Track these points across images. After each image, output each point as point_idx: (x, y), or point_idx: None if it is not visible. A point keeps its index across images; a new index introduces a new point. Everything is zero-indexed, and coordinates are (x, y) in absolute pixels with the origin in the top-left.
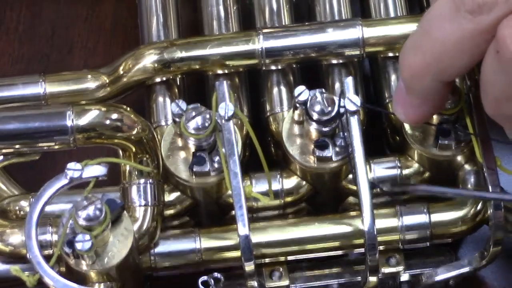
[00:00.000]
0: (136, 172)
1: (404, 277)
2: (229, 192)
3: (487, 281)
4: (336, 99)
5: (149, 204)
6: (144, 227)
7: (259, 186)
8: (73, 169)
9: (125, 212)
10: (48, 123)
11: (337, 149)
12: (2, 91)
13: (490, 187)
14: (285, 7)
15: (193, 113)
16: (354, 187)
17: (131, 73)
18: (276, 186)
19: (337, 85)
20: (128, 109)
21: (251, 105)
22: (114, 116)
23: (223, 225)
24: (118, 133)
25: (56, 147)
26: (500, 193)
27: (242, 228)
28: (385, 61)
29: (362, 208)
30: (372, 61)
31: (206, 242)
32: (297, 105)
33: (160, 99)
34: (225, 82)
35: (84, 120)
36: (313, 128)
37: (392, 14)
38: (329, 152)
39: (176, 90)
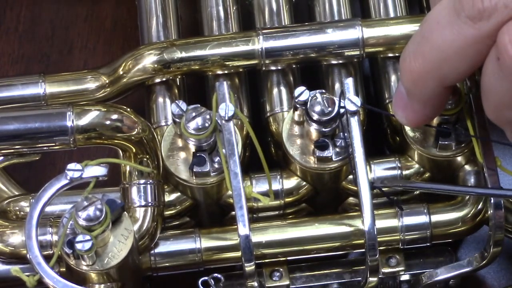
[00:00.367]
0: (136, 173)
1: (404, 277)
2: (229, 192)
3: (487, 281)
4: (336, 99)
5: (149, 204)
6: (144, 227)
7: (259, 187)
8: (74, 170)
9: (125, 212)
10: (48, 124)
11: (337, 149)
12: (2, 91)
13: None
14: (284, 8)
15: (193, 114)
16: (354, 188)
17: (131, 74)
18: (276, 186)
19: (337, 86)
20: (128, 109)
21: (251, 105)
22: (114, 116)
23: (223, 226)
24: (118, 134)
25: (56, 147)
26: (487, 188)
27: (243, 228)
28: (385, 62)
29: (362, 208)
30: (372, 62)
31: (206, 242)
32: (297, 105)
33: (160, 99)
34: (225, 82)
35: (84, 121)
36: (313, 128)
37: (391, 14)
38: (329, 153)
39: (176, 91)
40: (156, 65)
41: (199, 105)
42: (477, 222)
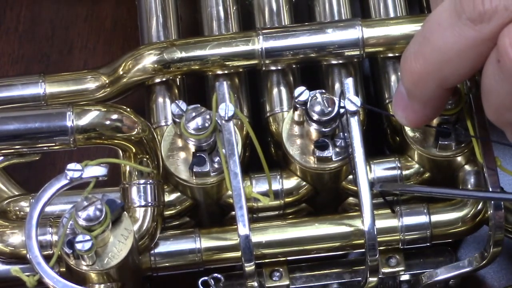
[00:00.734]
0: (136, 173)
1: (404, 277)
2: (229, 192)
3: (487, 281)
4: (336, 99)
5: (149, 204)
6: (144, 227)
7: (259, 187)
8: (73, 170)
9: (125, 212)
10: (48, 124)
11: (337, 149)
12: (2, 91)
13: (490, 188)
14: (284, 8)
15: (193, 114)
16: (354, 188)
17: (131, 74)
18: (276, 186)
19: (337, 86)
20: (128, 109)
21: (251, 105)
22: (114, 116)
23: (223, 226)
24: (118, 134)
25: (56, 147)
26: (488, 192)
27: (243, 228)
28: (385, 62)
29: (362, 208)
30: (372, 62)
31: (206, 242)
32: (297, 105)
33: (160, 99)
34: (225, 82)
35: (84, 121)
36: (313, 128)
37: (391, 14)
38: (329, 153)
39: (176, 91)
40: (156, 65)
41: (199, 105)
42: (477, 222)
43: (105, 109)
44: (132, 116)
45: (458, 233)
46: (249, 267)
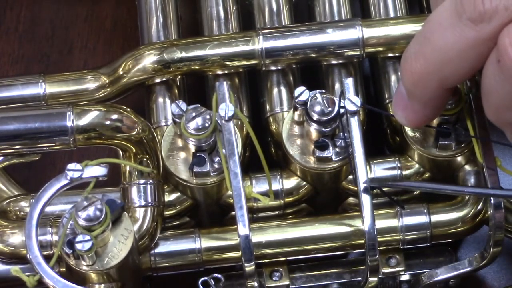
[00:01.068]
0: (136, 173)
1: (404, 277)
2: (229, 192)
3: (487, 281)
4: (336, 99)
5: (149, 204)
6: (144, 227)
7: (259, 187)
8: (74, 170)
9: (125, 212)
10: (48, 124)
11: (337, 149)
12: (2, 91)
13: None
14: (284, 8)
15: (193, 114)
16: (354, 188)
17: (131, 74)
18: (276, 186)
19: (337, 86)
20: (128, 109)
21: (251, 105)
22: (114, 116)
23: (223, 226)
24: (118, 134)
25: (56, 147)
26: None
27: (243, 228)
28: (385, 62)
29: (362, 208)
30: (372, 62)
31: (206, 242)
32: (297, 105)
33: (160, 99)
34: (225, 82)
35: (84, 121)
36: (313, 128)
37: (391, 14)
38: (329, 153)
39: (176, 91)
40: (156, 65)
41: (199, 105)
42: (477, 222)
43: (105, 109)
44: (132, 116)
45: (458, 233)
46: (249, 267)
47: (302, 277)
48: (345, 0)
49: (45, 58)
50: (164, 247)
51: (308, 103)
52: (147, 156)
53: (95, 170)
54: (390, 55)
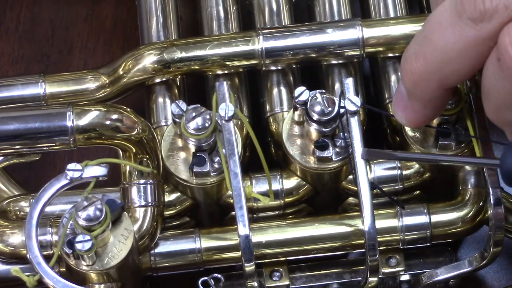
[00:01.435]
0: (136, 173)
1: (404, 277)
2: (229, 192)
3: (487, 281)
4: (336, 99)
5: (149, 204)
6: (144, 227)
7: (259, 187)
8: (74, 170)
9: (125, 212)
10: (48, 124)
11: (337, 149)
12: (2, 91)
13: (490, 188)
14: (284, 7)
15: (193, 114)
16: (354, 188)
17: (131, 74)
18: (276, 186)
19: (337, 86)
20: (128, 109)
21: (251, 105)
22: (114, 116)
23: (223, 226)
24: (118, 134)
25: (56, 147)
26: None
27: (243, 228)
28: (385, 62)
29: (362, 208)
30: (372, 62)
31: (206, 242)
32: (297, 105)
33: (160, 99)
34: (225, 82)
35: (84, 121)
36: (313, 128)
37: (391, 14)
38: (329, 153)
39: (176, 91)
40: (156, 65)
41: (199, 105)
42: (477, 222)
43: (105, 109)
44: (132, 116)
45: (458, 233)
46: (249, 267)
47: (302, 277)
48: (345, 0)
49: (45, 58)
50: (164, 247)
51: (308, 103)
52: (147, 156)
53: (95, 170)
54: (390, 55)
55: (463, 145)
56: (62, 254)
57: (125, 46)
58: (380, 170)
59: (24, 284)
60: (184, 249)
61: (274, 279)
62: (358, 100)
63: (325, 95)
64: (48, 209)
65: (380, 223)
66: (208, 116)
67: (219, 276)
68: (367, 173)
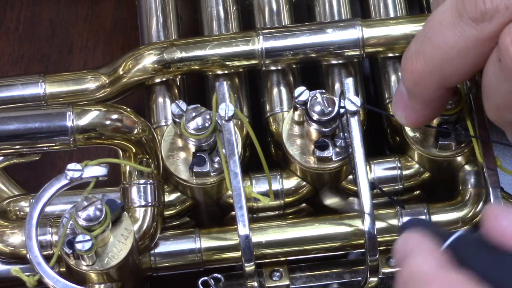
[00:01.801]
0: (136, 173)
1: None
2: (229, 192)
3: None
4: (336, 99)
5: (149, 204)
6: (144, 227)
7: (259, 187)
8: (74, 170)
9: (125, 212)
10: (48, 124)
11: (337, 149)
12: (2, 91)
13: (490, 188)
14: (284, 7)
15: (193, 114)
16: (354, 188)
17: (131, 74)
18: (276, 186)
19: (337, 86)
20: (128, 109)
21: (251, 105)
22: (114, 116)
23: (223, 226)
24: (118, 134)
25: (56, 147)
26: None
27: (243, 228)
28: (385, 62)
29: (362, 208)
30: (372, 62)
31: (206, 242)
32: (297, 105)
33: (160, 99)
34: (225, 82)
35: (84, 121)
36: (313, 128)
37: (391, 14)
38: (329, 153)
39: (176, 91)
40: (156, 65)
41: (199, 105)
42: (477, 222)
43: (105, 109)
44: (132, 116)
45: None
46: (249, 267)
47: (302, 277)
48: (345, 0)
49: (45, 58)
50: (164, 247)
51: (308, 103)
52: (147, 156)
53: (95, 170)
54: (390, 55)
55: (463, 145)
56: (62, 254)
57: (125, 46)
58: (380, 170)
59: (24, 284)
60: (184, 249)
61: (274, 279)
62: (358, 100)
63: (325, 95)
64: (48, 209)
65: (380, 223)
66: (208, 116)
67: (219, 276)
68: (367, 173)
